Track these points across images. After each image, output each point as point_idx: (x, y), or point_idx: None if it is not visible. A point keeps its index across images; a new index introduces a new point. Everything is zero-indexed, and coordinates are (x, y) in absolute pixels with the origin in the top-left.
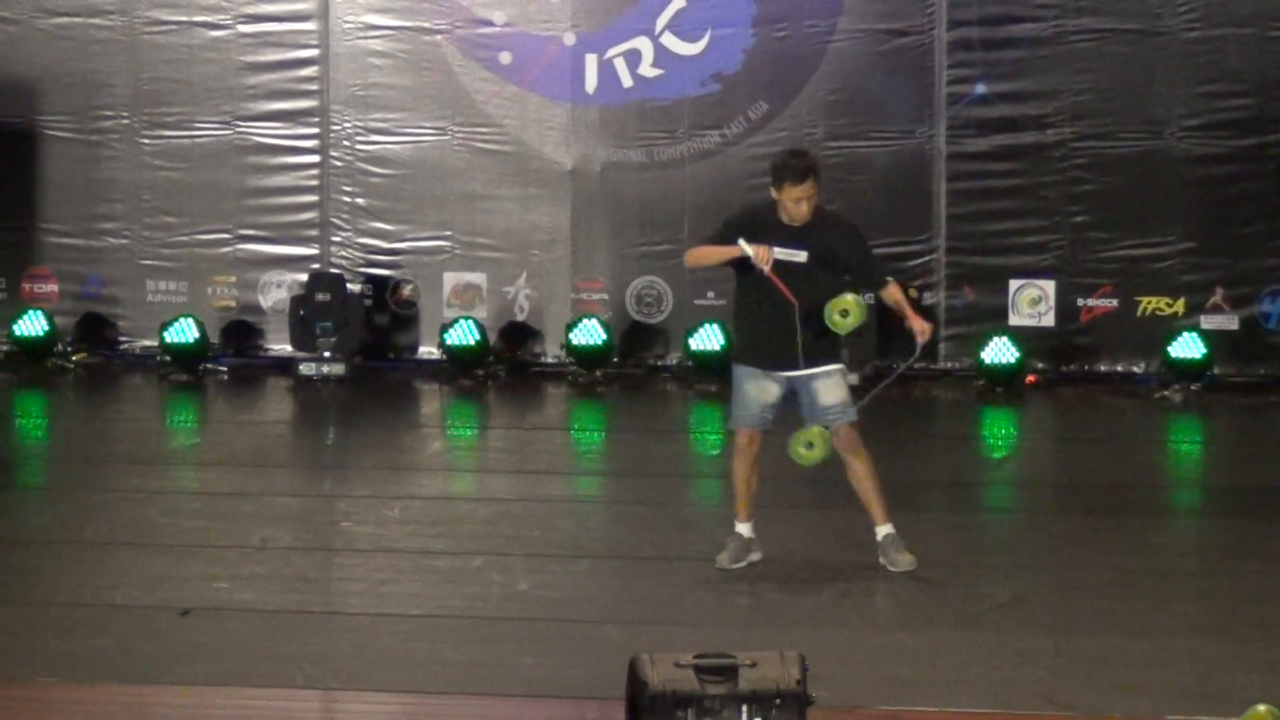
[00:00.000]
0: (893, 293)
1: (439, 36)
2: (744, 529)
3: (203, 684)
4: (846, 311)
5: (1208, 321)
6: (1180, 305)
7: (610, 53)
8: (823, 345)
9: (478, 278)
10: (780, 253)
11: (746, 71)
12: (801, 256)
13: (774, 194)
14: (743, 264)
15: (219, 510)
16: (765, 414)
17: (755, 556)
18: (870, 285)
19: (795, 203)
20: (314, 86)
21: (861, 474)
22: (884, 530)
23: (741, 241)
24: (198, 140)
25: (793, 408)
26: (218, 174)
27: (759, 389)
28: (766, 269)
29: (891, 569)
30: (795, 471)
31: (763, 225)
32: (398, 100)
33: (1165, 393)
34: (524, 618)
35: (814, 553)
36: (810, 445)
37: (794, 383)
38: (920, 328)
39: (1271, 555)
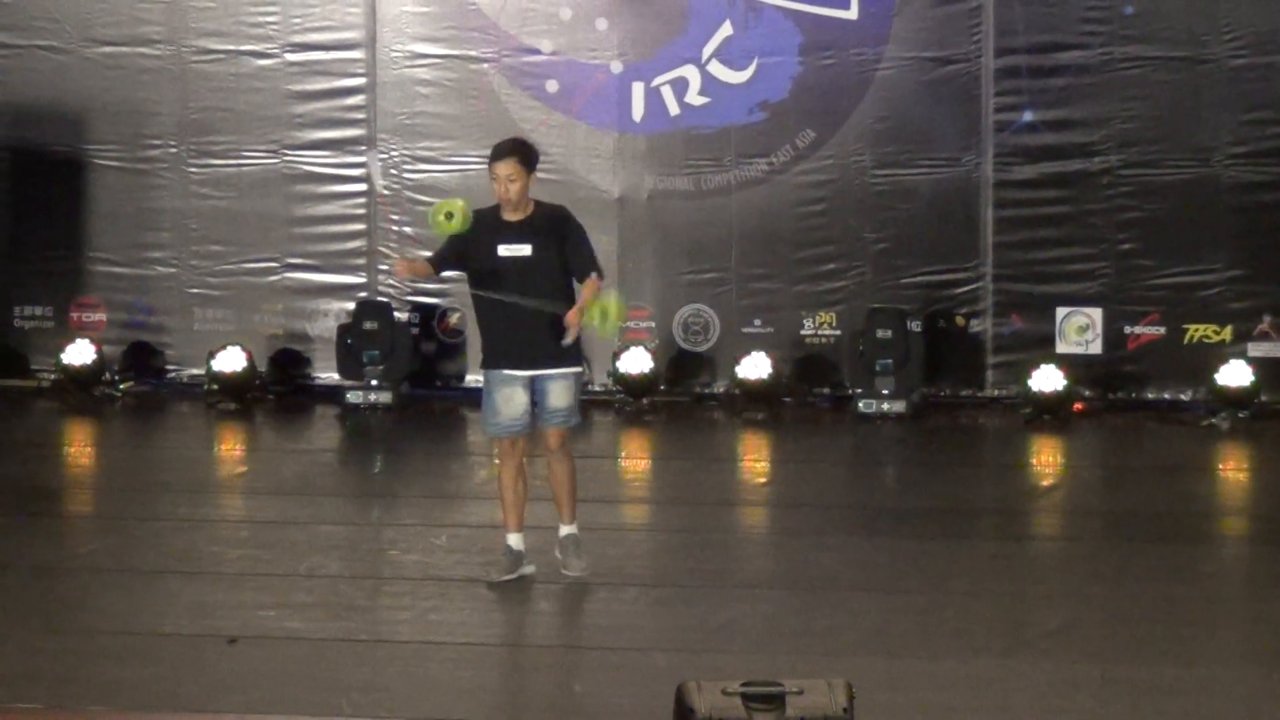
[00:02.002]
0: (588, 284)
1: (486, 65)
2: (514, 540)
3: (250, 712)
4: (606, 312)
5: (1255, 349)
6: (1227, 333)
7: (657, 81)
8: (567, 345)
9: None
10: (505, 249)
11: (793, 100)
12: (526, 250)
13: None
14: (475, 266)
15: (266, 538)
16: (517, 421)
17: (528, 570)
18: (578, 275)
19: (499, 181)
20: (361, 115)
21: (563, 475)
22: (567, 530)
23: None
24: (245, 169)
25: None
26: (265, 203)
27: (504, 398)
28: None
29: (564, 571)
30: (840, 499)
31: (489, 224)
32: (444, 129)
33: (1213, 420)
34: (571, 645)
35: (861, 580)
36: (450, 216)
37: (535, 380)
38: (569, 322)
39: None
